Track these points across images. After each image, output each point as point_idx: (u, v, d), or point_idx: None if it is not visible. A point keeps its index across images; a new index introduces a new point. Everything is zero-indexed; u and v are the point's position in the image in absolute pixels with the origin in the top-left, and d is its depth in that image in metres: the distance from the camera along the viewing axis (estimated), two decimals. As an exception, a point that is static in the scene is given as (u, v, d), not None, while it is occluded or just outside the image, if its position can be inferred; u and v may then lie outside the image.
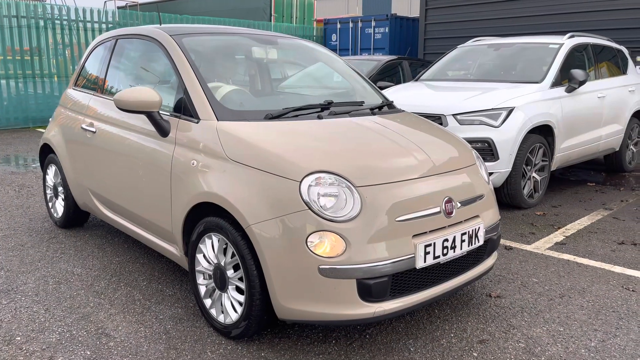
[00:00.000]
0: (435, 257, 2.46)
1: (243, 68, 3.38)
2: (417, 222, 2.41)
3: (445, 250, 2.50)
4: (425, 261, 2.42)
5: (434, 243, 2.44)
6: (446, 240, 2.50)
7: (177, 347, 2.51)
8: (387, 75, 7.76)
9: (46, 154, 4.37)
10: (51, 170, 4.30)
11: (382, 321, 2.78)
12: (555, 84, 5.37)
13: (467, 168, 2.84)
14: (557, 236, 4.24)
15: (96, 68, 3.87)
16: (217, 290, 2.62)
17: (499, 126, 4.72)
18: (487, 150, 4.70)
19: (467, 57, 6.41)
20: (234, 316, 2.52)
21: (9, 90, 10.58)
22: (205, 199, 2.54)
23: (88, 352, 2.45)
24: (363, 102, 3.29)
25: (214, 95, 2.83)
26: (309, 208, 2.25)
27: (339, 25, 15.90)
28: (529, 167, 5.05)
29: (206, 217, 2.61)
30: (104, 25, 11.70)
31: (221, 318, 2.60)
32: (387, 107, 3.40)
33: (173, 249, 2.92)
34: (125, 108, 2.79)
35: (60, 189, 4.19)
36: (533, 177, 5.13)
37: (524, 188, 5.04)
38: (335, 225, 2.24)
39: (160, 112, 2.97)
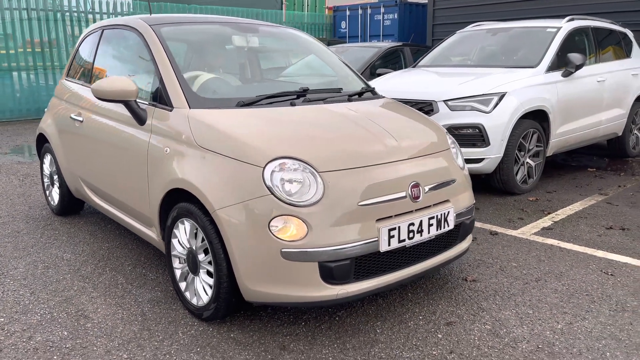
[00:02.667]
0: (400, 241, 2.50)
1: (223, 56, 3.42)
2: (381, 207, 2.45)
3: (411, 234, 2.54)
4: (389, 245, 2.46)
5: (399, 227, 2.48)
6: (412, 224, 2.53)
7: (150, 328, 2.60)
8: (389, 62, 7.74)
9: (42, 143, 4.49)
10: (47, 159, 4.43)
11: (354, 304, 2.83)
12: (552, 68, 5.32)
13: (438, 153, 2.86)
14: (546, 221, 4.23)
15: (84, 58, 3.96)
16: (190, 273, 2.70)
17: (489, 112, 4.70)
18: (477, 136, 4.69)
19: (465, 42, 6.36)
20: (205, 299, 2.60)
21: (21, 82, 10.80)
22: (177, 186, 2.61)
23: (65, 333, 2.55)
24: (341, 89, 3.31)
25: (189, 83, 2.90)
26: (272, 193, 2.31)
27: (348, 13, 15.82)
28: (522, 153, 5.03)
29: (179, 203, 2.68)
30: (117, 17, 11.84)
31: (194, 300, 2.68)
32: (369, 94, 3.42)
33: (152, 234, 3.00)
34: (103, 97, 2.86)
35: (55, 177, 4.31)
36: (527, 162, 5.11)
37: (517, 174, 5.02)
38: (297, 209, 2.30)
39: (139, 101, 3.04)
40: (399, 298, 2.92)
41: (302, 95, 3.05)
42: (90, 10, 11.46)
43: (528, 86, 4.96)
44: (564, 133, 5.47)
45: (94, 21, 11.56)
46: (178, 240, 2.74)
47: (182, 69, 3.08)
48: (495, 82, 4.87)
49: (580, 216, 4.36)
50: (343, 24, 16.14)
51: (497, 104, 4.73)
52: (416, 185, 2.59)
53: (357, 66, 7.21)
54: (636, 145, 6.98)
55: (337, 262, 2.34)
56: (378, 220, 2.45)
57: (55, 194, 4.38)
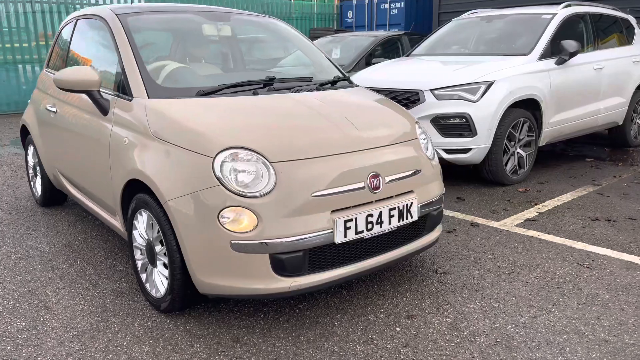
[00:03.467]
0: (357, 232, 2.45)
1: (193, 46, 3.39)
2: (336, 198, 2.40)
3: (369, 226, 2.49)
4: (345, 236, 2.41)
5: (356, 218, 2.43)
6: (370, 215, 2.48)
7: (108, 319, 2.59)
8: (387, 51, 7.64)
9: (26, 134, 4.51)
10: (30, 150, 4.44)
11: (317, 295, 2.80)
12: (545, 56, 5.19)
13: (404, 143, 2.80)
14: (531, 213, 4.14)
15: (60, 49, 3.95)
16: (149, 265, 2.68)
17: (477, 101, 4.61)
18: (464, 126, 4.60)
19: (461, 30, 6.23)
20: (162, 290, 2.58)
21: (26, 75, 10.89)
22: (134, 176, 2.59)
23: (24, 324, 2.56)
24: (312, 77, 3.26)
25: (156, 73, 2.87)
26: (222, 184, 2.27)
27: (354, 2, 15.66)
28: (512, 143, 4.93)
29: (138, 194, 2.66)
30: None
31: (153, 292, 2.66)
32: (344, 83, 3.36)
33: (118, 224, 2.99)
34: (65, 87, 2.84)
35: (38, 168, 4.33)
36: (517, 153, 5.00)
37: (506, 164, 4.92)
38: (247, 200, 2.26)
39: (104, 91, 3.02)
40: (364, 290, 2.87)
41: (268, 84, 3.00)
42: (95, 2, 11.51)
43: (518, 74, 4.85)
44: (558, 122, 5.35)
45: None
46: (138, 231, 2.72)
47: (149, 58, 3.06)
48: (483, 70, 4.77)
49: (567, 207, 4.26)
50: (350, 14, 15.99)
51: (484, 93, 4.63)
52: (376, 176, 2.53)
53: (353, 55, 7.13)
54: (638, 135, 6.81)
55: (288, 254, 2.30)
56: (333, 211, 2.40)
57: (38, 185, 4.40)
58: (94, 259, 3.34)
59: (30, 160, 4.49)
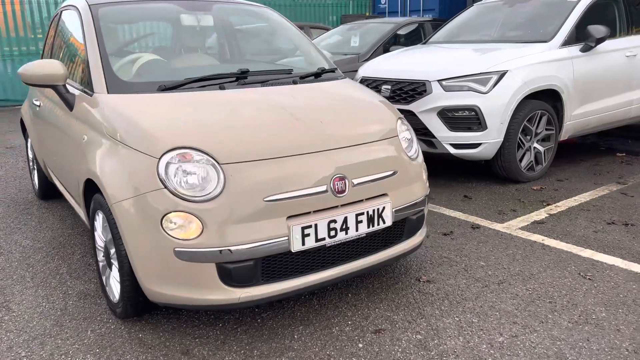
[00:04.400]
0: (318, 240, 2.26)
1: (171, 37, 3.24)
2: (293, 202, 2.21)
3: (332, 233, 2.29)
4: (303, 244, 2.22)
5: (316, 225, 2.24)
6: (334, 221, 2.29)
7: (63, 324, 2.50)
8: (409, 39, 7.31)
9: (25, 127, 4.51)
10: (29, 143, 4.44)
11: (285, 303, 2.62)
12: (568, 42, 4.79)
13: (379, 142, 2.57)
14: (540, 214, 3.83)
15: (48, 41, 3.89)
16: (107, 267, 2.58)
17: (487, 92, 4.29)
18: (474, 119, 4.30)
19: (481, 15, 5.86)
20: (117, 295, 2.47)
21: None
22: (88, 176, 2.48)
23: (-20, 325, 2.50)
24: (292, 70, 3.06)
25: (119, 66, 2.74)
26: (166, 187, 2.12)
27: (387, -13, 15.24)
28: (528, 137, 4.58)
29: (96, 194, 2.55)
30: None
31: (111, 296, 2.56)
32: (330, 74, 3.15)
33: (87, 224, 2.91)
34: (30, 82, 2.75)
35: (35, 160, 4.32)
36: (534, 147, 4.66)
37: (521, 160, 4.59)
38: (192, 205, 2.10)
39: (74, 85, 2.92)
40: (336, 298, 2.68)
41: (242, 78, 2.82)
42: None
43: (535, 63, 4.49)
44: (583, 115, 4.95)
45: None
46: (97, 232, 2.62)
47: (121, 51, 2.93)
48: (495, 59, 4.43)
49: (583, 208, 3.92)
50: (383, 0, 15.58)
51: (495, 84, 4.31)
52: (341, 179, 2.33)
53: (370, 43, 6.85)
54: (678, 127, 6.27)
55: (237, 264, 2.14)
56: (290, 217, 2.21)
57: (36, 178, 4.40)
58: (72, 256, 3.27)
59: (30, 153, 4.49)
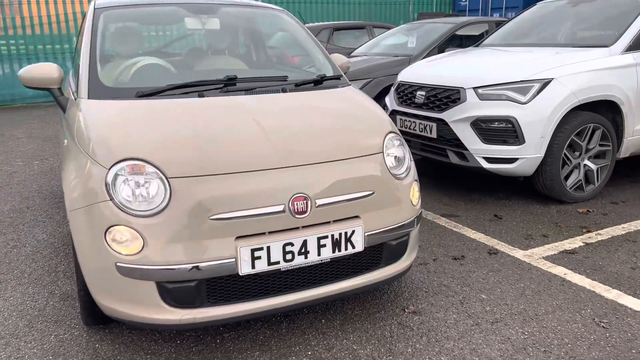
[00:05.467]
0: (271, 264, 2.10)
1: (172, 41, 3.20)
2: (244, 222, 2.07)
3: (288, 256, 2.13)
4: (253, 267, 2.08)
5: (268, 247, 2.09)
6: (290, 244, 2.12)
7: (34, 325, 2.53)
8: (468, 40, 6.87)
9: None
10: (66, 140, 4.63)
11: (253, 323, 2.49)
12: (634, 48, 4.24)
13: (356, 159, 2.36)
14: (575, 242, 3.40)
15: (78, 43, 4.01)
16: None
17: (526, 102, 3.88)
18: (510, 131, 3.91)
19: (542, 16, 5.36)
20: (82, 302, 2.46)
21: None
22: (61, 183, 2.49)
23: (-38, 319, 2.60)
24: (286, 76, 2.90)
25: (108, 71, 2.74)
26: (111, 199, 2.06)
27: (469, -17, 14.57)
28: (577, 153, 4.11)
29: (71, 199, 2.55)
30: None
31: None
32: (331, 82, 2.97)
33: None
34: (28, 85, 2.82)
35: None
36: (585, 165, 4.17)
37: (567, 178, 4.13)
38: (134, 220, 2.02)
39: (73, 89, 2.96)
40: (307, 323, 2.51)
41: (230, 84, 2.72)
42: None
43: (589, 70, 4.00)
44: (650, 129, 4.36)
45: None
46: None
47: (118, 55, 2.94)
48: (539, 66, 4.00)
49: (629, 239, 3.44)
50: (464, -3, 14.91)
51: (537, 93, 3.89)
52: (301, 198, 2.15)
53: (424, 45, 6.51)
54: None
55: (177, 284, 2.04)
56: (239, 237, 2.08)
57: (70, 173, 4.58)
58: (66, 256, 3.34)
59: (68, 149, 4.69)
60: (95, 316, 2.38)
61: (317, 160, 2.27)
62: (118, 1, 3.18)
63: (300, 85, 2.85)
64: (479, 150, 4.03)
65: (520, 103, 3.89)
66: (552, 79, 3.90)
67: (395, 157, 2.52)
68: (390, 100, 5.01)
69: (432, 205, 4.18)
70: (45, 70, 2.76)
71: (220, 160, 2.15)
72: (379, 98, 5.79)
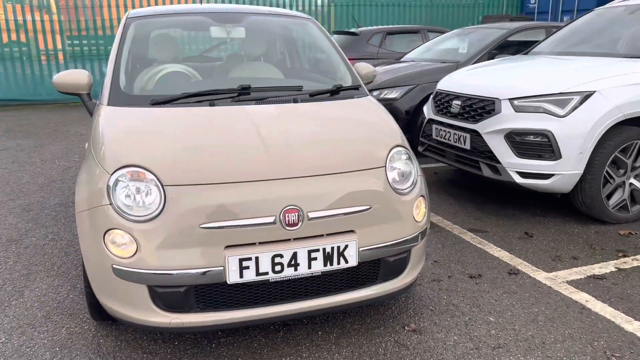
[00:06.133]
0: (259, 274, 2.13)
1: (197, 49, 3.30)
2: (234, 232, 2.11)
3: (278, 267, 2.15)
4: (241, 277, 2.12)
5: (257, 257, 2.12)
6: (279, 255, 2.14)
7: (51, 316, 2.69)
8: (523, 46, 6.60)
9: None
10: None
11: (250, 331, 2.53)
12: (694, 59, 3.93)
13: (355, 172, 2.34)
14: (607, 267, 3.20)
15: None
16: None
17: (564, 116, 3.69)
18: (545, 145, 3.73)
19: (597, 23, 5.06)
20: (92, 298, 2.60)
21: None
22: (79, 184, 2.63)
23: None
24: (301, 86, 2.91)
25: (122, 78, 2.85)
26: (111, 203, 2.16)
27: (539, -16, 13.97)
28: (621, 171, 3.86)
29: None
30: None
31: (94, 298, 2.69)
32: (349, 92, 2.96)
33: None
34: (59, 90, 3.00)
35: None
36: (630, 184, 3.90)
37: (610, 197, 3.88)
38: (129, 224, 2.11)
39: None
40: (303, 334, 2.52)
41: (244, 94, 2.77)
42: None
43: (635, 84, 3.75)
44: None
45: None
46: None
47: (146, 62, 3.07)
48: (581, 77, 3.79)
49: (668, 266, 3.19)
50: (532, -1, 14.33)
51: (577, 106, 3.69)
52: (293, 210, 2.16)
53: (474, 51, 6.33)
54: None
55: (166, 288, 2.11)
56: (228, 247, 2.12)
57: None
58: (104, 250, 3.52)
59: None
60: (100, 312, 2.50)
61: (313, 172, 2.27)
62: (150, 11, 3.32)
63: (315, 95, 2.86)
64: (512, 164, 3.87)
65: (558, 116, 3.70)
66: (594, 91, 3.69)
67: (400, 171, 2.47)
68: (427, 108, 4.91)
69: (461, 218, 4.06)
70: (75, 77, 2.93)
71: (215, 170, 2.20)
72: (422, 105, 5.68)
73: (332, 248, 2.20)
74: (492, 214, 4.14)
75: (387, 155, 2.47)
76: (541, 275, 3.09)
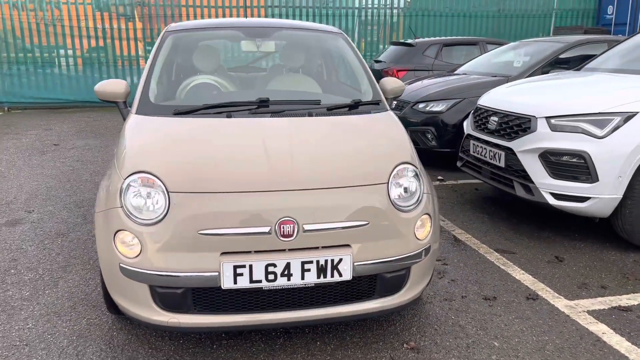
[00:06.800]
0: (253, 281, 2.22)
1: (228, 61, 3.45)
2: (230, 239, 2.21)
3: (271, 276, 2.23)
4: (235, 283, 2.21)
5: (251, 265, 2.20)
6: (273, 265, 2.22)
7: (76, 307, 2.91)
8: (582, 61, 6.32)
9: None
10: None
11: (253, 335, 2.62)
12: None
13: (355, 187, 2.38)
14: (636, 298, 3.03)
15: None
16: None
17: (603, 137, 3.53)
18: (581, 167, 3.58)
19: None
20: (110, 293, 2.78)
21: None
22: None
23: (27, 293, 3.06)
24: (319, 100, 2.98)
25: (152, 88, 3.04)
26: (122, 206, 2.32)
27: (618, -6, 13.26)
28: (667, 197, 3.63)
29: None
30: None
31: (114, 292, 2.88)
32: (367, 107, 3.00)
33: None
34: (100, 98, 3.24)
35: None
36: (678, 211, 3.66)
37: (653, 224, 3.66)
38: (136, 227, 2.26)
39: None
40: (301, 343, 2.57)
41: (263, 106, 2.88)
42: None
43: (687, 105, 3.52)
44: None
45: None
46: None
47: (177, 74, 3.25)
48: (624, 97, 3.61)
49: None
50: (610, 9, 13.62)
51: (617, 128, 3.51)
52: (288, 222, 2.23)
53: (526, 66, 6.14)
54: None
55: (165, 289, 2.24)
56: (224, 253, 2.22)
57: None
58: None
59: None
60: (114, 306, 2.67)
61: (312, 186, 2.33)
62: (188, 25, 3.51)
63: (332, 110, 2.92)
64: (546, 184, 3.74)
65: (596, 137, 3.54)
66: (637, 112, 3.50)
67: (405, 188, 2.48)
68: (467, 124, 4.83)
69: (491, 238, 3.96)
70: (114, 86, 3.15)
71: (218, 180, 2.31)
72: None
73: (326, 261, 2.25)
74: (524, 235, 4.01)
75: (392, 172, 2.48)
76: (561, 303, 2.97)
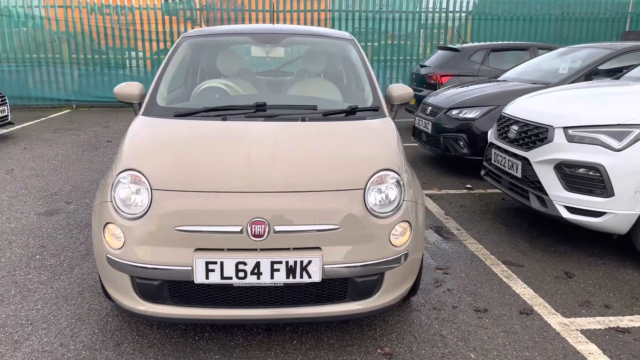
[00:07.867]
0: (224, 278, 2.33)
1: (237, 67, 3.57)
2: (203, 237, 2.33)
3: (241, 274, 2.33)
4: (207, 278, 2.33)
5: (222, 262, 2.32)
6: (242, 263, 2.32)
7: (83, 294, 3.13)
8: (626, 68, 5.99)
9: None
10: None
11: (233, 328, 2.73)
12: None
13: (330, 192, 2.43)
14: (639, 320, 2.88)
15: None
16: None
17: (620, 149, 3.37)
18: (597, 181, 3.43)
19: None
20: (109, 284, 2.98)
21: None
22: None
23: (44, 277, 3.33)
24: (316, 106, 3.05)
25: (159, 91, 3.22)
26: (111, 200, 2.50)
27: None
28: (692, 215, 3.41)
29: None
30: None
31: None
32: (365, 113, 3.05)
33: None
34: (118, 99, 3.46)
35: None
36: None
37: (675, 243, 3.45)
38: (121, 220, 2.43)
39: (152, 104, 3.54)
40: (278, 340, 2.65)
41: (260, 110, 3.00)
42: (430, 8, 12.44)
43: None
44: None
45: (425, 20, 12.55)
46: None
47: (188, 77, 3.43)
48: (645, 108, 3.43)
49: None
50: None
51: (637, 140, 3.34)
52: (260, 222, 2.32)
53: (570, 72, 5.90)
54: None
55: (143, 280, 2.38)
56: (198, 250, 2.34)
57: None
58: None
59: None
60: (107, 294, 2.86)
61: (287, 189, 2.41)
62: (202, 31, 3.69)
63: (328, 115, 2.98)
64: (560, 197, 3.61)
65: (613, 150, 3.39)
66: (658, 125, 3.32)
67: (384, 194, 2.50)
68: (491, 132, 4.73)
69: (502, 249, 3.87)
70: (129, 88, 3.35)
71: (199, 179, 2.43)
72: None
73: (295, 262, 2.32)
74: (539, 249, 3.88)
75: (370, 178, 2.51)
76: (555, 320, 2.88)
